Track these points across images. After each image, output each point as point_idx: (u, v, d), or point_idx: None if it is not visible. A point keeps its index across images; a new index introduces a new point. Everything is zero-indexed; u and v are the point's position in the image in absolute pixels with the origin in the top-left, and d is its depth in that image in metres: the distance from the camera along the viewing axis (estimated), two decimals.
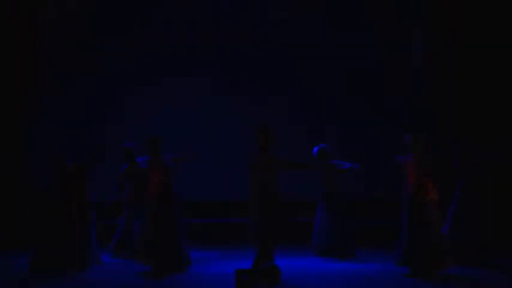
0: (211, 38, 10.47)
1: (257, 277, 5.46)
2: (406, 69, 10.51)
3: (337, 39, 10.40)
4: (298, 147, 8.90)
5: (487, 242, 7.54)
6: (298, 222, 9.23)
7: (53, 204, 7.42)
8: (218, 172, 9.93)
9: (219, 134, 10.15)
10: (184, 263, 7.33)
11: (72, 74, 10.43)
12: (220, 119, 10.28)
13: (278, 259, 7.36)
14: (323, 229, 8.41)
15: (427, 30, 10.45)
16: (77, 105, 10.26)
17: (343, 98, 10.40)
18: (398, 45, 10.51)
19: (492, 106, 9.85)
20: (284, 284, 5.66)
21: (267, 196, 6.76)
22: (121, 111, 10.30)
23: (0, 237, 9.14)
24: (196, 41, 10.48)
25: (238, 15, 10.54)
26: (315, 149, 8.50)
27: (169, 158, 7.51)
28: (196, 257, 7.79)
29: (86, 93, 10.35)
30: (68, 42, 10.50)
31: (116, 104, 10.33)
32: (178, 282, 6.62)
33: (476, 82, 10.00)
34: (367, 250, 8.52)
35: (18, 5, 10.27)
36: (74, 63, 10.44)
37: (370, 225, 9.56)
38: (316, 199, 8.61)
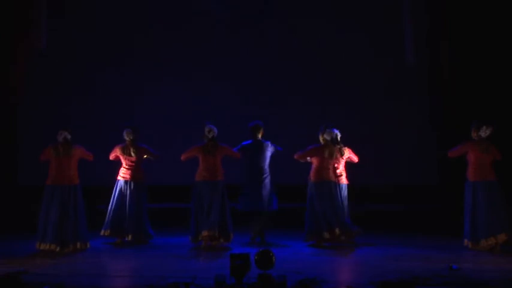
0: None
1: (251, 261, 5.54)
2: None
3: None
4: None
5: None
6: (291, 206, 9.28)
7: None
8: None
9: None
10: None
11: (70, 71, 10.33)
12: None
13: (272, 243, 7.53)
14: (317, 214, 8.45)
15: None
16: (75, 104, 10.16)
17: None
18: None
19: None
20: (278, 268, 5.73)
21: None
22: (119, 110, 10.08)
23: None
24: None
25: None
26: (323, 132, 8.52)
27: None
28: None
29: (84, 93, 10.25)
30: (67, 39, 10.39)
31: (114, 103, 10.22)
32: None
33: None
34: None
35: None
36: (73, 61, 10.34)
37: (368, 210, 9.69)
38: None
